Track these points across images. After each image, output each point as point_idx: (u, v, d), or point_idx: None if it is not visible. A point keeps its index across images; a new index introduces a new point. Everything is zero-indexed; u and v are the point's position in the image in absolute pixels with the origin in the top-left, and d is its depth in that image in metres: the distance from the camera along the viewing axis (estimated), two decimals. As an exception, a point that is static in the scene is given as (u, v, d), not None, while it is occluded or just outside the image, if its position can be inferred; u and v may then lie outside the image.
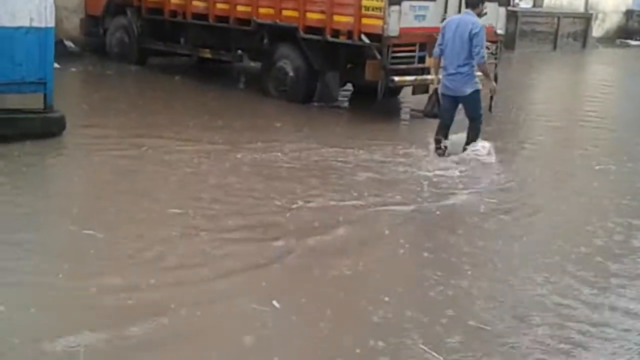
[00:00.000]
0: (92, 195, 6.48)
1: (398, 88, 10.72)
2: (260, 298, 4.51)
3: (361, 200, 6.52)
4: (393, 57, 9.57)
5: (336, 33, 10.04)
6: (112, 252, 5.09)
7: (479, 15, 7.94)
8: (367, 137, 8.79)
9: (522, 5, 21.72)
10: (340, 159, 7.80)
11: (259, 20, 10.89)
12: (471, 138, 7.99)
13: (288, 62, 10.67)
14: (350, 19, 9.80)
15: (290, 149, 8.04)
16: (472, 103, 7.91)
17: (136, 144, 7.86)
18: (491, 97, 8.95)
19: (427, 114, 9.03)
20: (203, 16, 11.72)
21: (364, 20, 9.66)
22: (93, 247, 5.12)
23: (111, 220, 5.68)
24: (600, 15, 24.73)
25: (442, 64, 7.96)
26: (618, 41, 24.98)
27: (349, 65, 10.67)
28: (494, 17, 10.43)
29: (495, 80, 10.42)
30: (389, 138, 8.96)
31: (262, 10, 10.85)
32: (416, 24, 9.70)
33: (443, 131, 8.04)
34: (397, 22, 9.45)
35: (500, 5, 10.53)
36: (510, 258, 5.55)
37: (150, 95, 11.04)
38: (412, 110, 11.00)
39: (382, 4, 9.42)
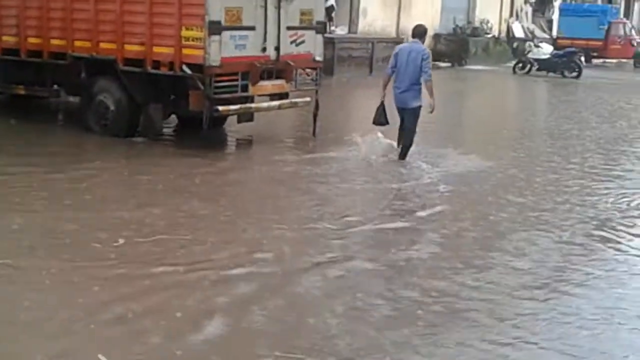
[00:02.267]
0: None
1: (223, 117, 10.74)
2: None
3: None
4: (216, 87, 9.55)
5: (157, 64, 9.90)
6: None
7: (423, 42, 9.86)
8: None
9: (338, 31, 22.50)
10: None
11: (75, 54, 10.55)
12: (404, 144, 9.69)
13: (108, 95, 10.39)
14: (170, 50, 9.71)
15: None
16: (413, 115, 9.61)
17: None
18: (314, 120, 10.58)
19: (376, 122, 9.98)
20: (14, 51, 11.20)
21: (185, 51, 9.61)
22: None
23: None
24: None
25: (394, 84, 9.66)
26: (428, 63, 26.38)
27: (172, 97, 10.55)
28: (312, 45, 10.74)
29: (317, 107, 10.88)
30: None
31: (77, 43, 10.52)
32: (237, 53, 9.77)
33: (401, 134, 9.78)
34: (218, 51, 9.48)
35: (317, 32, 10.83)
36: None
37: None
38: (238, 139, 11.11)
39: (202, 34, 9.41)
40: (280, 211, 7.54)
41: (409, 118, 9.66)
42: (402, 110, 9.72)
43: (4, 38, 11.26)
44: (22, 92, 11.63)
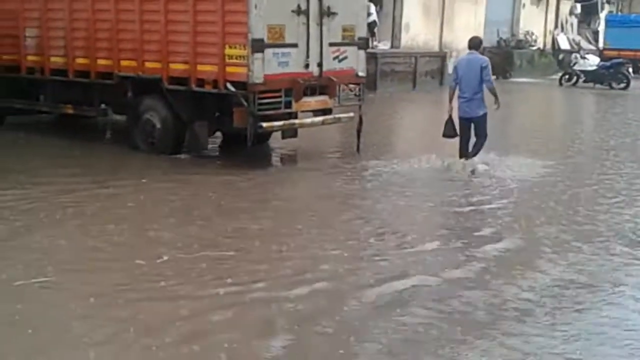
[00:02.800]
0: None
1: (267, 134, 10.80)
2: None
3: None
4: (260, 104, 9.62)
5: (201, 82, 10.01)
6: None
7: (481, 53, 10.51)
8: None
9: (381, 46, 22.51)
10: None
11: (121, 73, 10.73)
12: (475, 149, 10.15)
13: (154, 114, 10.54)
14: (214, 68, 9.82)
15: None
16: (482, 122, 10.07)
17: None
18: (358, 136, 10.82)
19: (446, 135, 10.40)
20: (62, 71, 11.43)
21: (229, 69, 9.71)
22: None
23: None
24: (454, 53, 25.92)
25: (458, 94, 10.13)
26: (472, 77, 26.23)
27: (216, 114, 10.65)
28: (355, 60, 10.75)
29: (360, 122, 10.86)
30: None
31: (123, 63, 10.71)
32: (280, 70, 9.83)
33: (465, 147, 10.19)
34: (262, 69, 9.54)
35: (359, 48, 10.84)
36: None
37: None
38: (283, 155, 11.15)
39: (245, 52, 9.50)
40: (330, 228, 7.45)
41: (478, 126, 10.14)
42: (468, 120, 10.13)
43: (53, 59, 11.50)
44: (71, 111, 11.88)
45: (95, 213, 7.62)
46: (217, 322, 5.06)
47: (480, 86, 9.99)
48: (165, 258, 6.21)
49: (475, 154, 10.21)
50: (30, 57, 11.81)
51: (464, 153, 10.20)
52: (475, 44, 10.37)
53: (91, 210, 7.71)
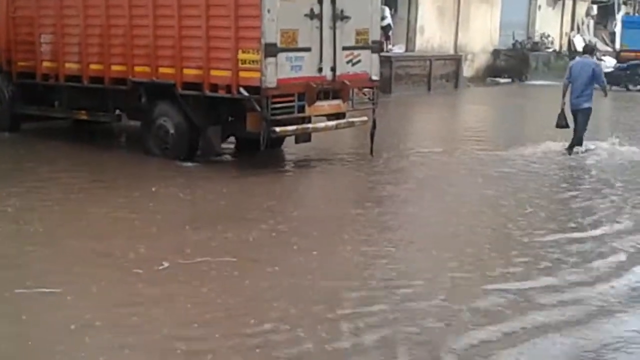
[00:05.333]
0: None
1: (281, 138, 10.77)
2: None
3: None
4: (273, 109, 9.61)
5: (215, 87, 10.02)
6: None
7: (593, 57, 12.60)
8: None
9: (396, 50, 22.45)
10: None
11: (135, 79, 10.75)
12: (573, 140, 11.72)
13: (168, 119, 10.55)
14: (227, 73, 9.81)
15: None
16: (585, 115, 11.70)
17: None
18: (372, 139, 10.81)
19: (558, 125, 12.02)
20: (77, 77, 11.47)
21: (242, 74, 9.69)
22: None
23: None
24: (469, 56, 25.87)
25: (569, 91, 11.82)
26: (488, 79, 26.16)
27: (230, 119, 10.64)
28: (368, 64, 10.70)
29: (374, 125, 10.82)
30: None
31: (137, 69, 10.73)
32: (293, 75, 9.81)
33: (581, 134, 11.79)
34: (275, 73, 9.53)
35: (373, 52, 10.79)
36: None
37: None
38: (297, 160, 11.14)
39: (258, 57, 9.48)
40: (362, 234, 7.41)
41: (581, 117, 11.70)
42: (575, 112, 11.76)
43: (67, 65, 11.55)
44: (85, 117, 11.91)
45: (100, 219, 7.63)
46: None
47: (589, 85, 11.64)
48: (166, 265, 6.18)
49: (574, 144, 11.70)
50: (45, 64, 11.88)
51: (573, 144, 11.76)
52: (589, 49, 12.74)
53: (97, 216, 7.72)
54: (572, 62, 12.51)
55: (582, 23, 32.62)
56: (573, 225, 7.85)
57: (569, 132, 11.87)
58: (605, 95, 12.32)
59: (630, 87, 23.53)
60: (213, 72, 9.99)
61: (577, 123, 11.78)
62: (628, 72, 23.86)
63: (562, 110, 11.92)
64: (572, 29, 31.75)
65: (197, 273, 6.01)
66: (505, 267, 6.40)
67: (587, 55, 12.41)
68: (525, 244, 7.04)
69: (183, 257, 6.38)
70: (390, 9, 21.91)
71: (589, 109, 11.72)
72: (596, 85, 11.95)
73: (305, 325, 5.04)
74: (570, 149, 11.69)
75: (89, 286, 5.68)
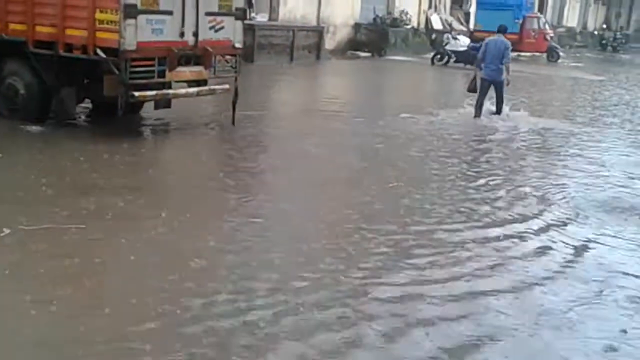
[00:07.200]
0: None
1: (139, 103, 10.47)
2: None
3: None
4: (132, 72, 9.29)
5: (70, 47, 9.58)
6: None
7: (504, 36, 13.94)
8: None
9: (259, 18, 22.33)
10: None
11: (-18, 35, 10.11)
12: (498, 105, 13.68)
13: (18, 79, 10.00)
14: (84, 33, 9.38)
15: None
16: (501, 85, 13.54)
17: None
18: (234, 108, 10.83)
19: (469, 90, 14.07)
20: None
21: (99, 34, 9.29)
22: None
23: None
24: (331, 29, 26.14)
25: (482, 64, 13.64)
26: (349, 53, 26.58)
27: (86, 81, 10.22)
28: (232, 31, 10.56)
29: (236, 94, 10.77)
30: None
31: (-16, 24, 10.08)
32: (154, 38, 9.51)
33: (481, 101, 13.65)
34: (134, 36, 9.20)
35: (236, 19, 10.64)
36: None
37: None
38: (155, 126, 10.87)
39: (117, 18, 9.12)
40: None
41: (499, 88, 13.57)
42: (491, 82, 13.47)
43: None
44: None
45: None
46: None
47: (501, 61, 13.32)
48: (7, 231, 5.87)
49: (499, 108, 13.66)
50: None
51: (478, 106, 13.60)
52: (502, 29, 13.96)
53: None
54: (487, 39, 14.20)
55: (439, 2, 33.72)
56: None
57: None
58: (507, 79, 13.60)
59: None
60: (68, 31, 9.51)
61: (497, 91, 13.60)
62: (481, 51, 24.87)
63: (474, 77, 13.89)
64: (429, 7, 32.74)
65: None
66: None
67: (500, 34, 13.87)
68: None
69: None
70: (254, -24, 21.74)
71: (503, 81, 13.56)
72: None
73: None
74: (498, 113, 13.65)
75: None
